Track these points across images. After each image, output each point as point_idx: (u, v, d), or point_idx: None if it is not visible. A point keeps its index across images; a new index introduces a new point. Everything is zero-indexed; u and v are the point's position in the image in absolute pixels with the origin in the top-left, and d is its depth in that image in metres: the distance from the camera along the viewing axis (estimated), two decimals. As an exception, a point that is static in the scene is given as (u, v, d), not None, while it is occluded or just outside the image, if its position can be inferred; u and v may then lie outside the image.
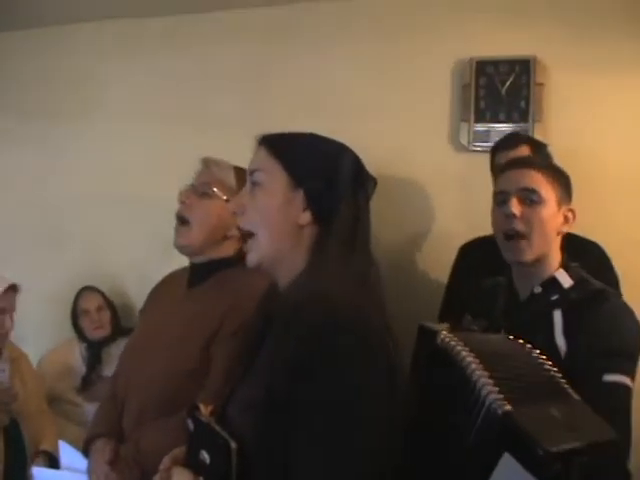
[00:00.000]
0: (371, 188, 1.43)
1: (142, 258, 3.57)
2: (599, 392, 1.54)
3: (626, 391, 1.62)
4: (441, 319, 2.57)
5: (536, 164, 1.87)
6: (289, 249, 1.36)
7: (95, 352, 3.41)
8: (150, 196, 3.51)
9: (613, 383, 1.60)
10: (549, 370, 1.43)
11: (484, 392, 1.31)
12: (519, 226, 1.79)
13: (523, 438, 1.26)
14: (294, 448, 1.18)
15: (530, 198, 1.79)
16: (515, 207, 1.79)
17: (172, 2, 3.56)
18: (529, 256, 1.78)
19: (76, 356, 3.45)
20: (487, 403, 1.33)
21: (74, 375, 3.37)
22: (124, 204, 3.69)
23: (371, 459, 1.20)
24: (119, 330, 3.49)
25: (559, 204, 1.81)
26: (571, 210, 1.84)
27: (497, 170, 2.53)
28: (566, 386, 1.39)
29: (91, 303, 3.53)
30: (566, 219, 1.82)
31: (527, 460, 1.23)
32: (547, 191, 1.79)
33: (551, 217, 1.79)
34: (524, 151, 2.49)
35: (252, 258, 1.38)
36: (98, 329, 3.48)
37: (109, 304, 3.57)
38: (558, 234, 1.82)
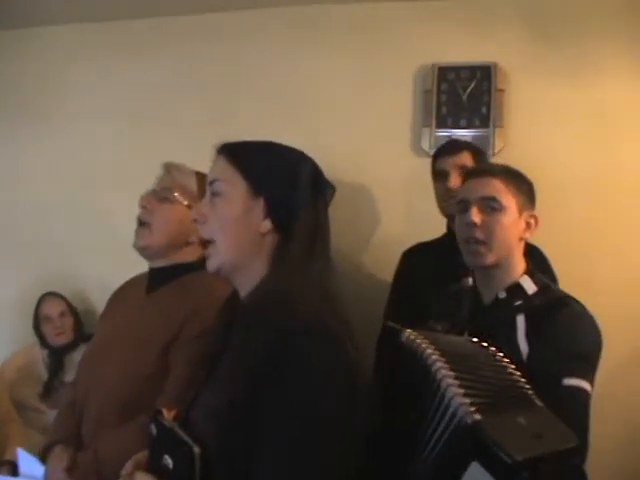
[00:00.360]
0: (330, 195, 1.45)
1: (105, 264, 3.54)
2: (558, 396, 1.56)
3: (584, 395, 1.63)
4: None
5: (497, 172, 1.88)
6: (250, 257, 1.37)
7: (57, 358, 3.36)
8: (114, 201, 3.49)
9: (572, 387, 1.61)
10: (512, 374, 1.45)
11: (449, 394, 1.32)
12: (478, 234, 1.81)
13: (491, 447, 1.26)
14: (260, 451, 1.18)
15: (490, 206, 1.82)
16: (475, 216, 1.81)
17: (140, 6, 3.54)
18: (488, 259, 1.80)
19: (38, 362, 3.40)
20: (453, 408, 1.33)
21: (36, 381, 3.31)
22: (87, 209, 3.66)
23: (338, 460, 1.21)
24: (82, 336, 3.44)
25: (520, 211, 1.83)
26: (533, 216, 1.86)
27: (436, 175, 2.61)
28: (530, 392, 1.42)
29: (53, 309, 3.47)
30: (528, 225, 1.84)
31: (495, 468, 1.24)
32: (507, 198, 1.81)
33: (512, 224, 1.81)
34: (465, 157, 2.54)
35: (212, 264, 1.40)
36: (60, 335, 3.43)
37: (72, 310, 3.52)
38: (520, 240, 1.85)
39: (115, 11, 3.61)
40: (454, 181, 2.49)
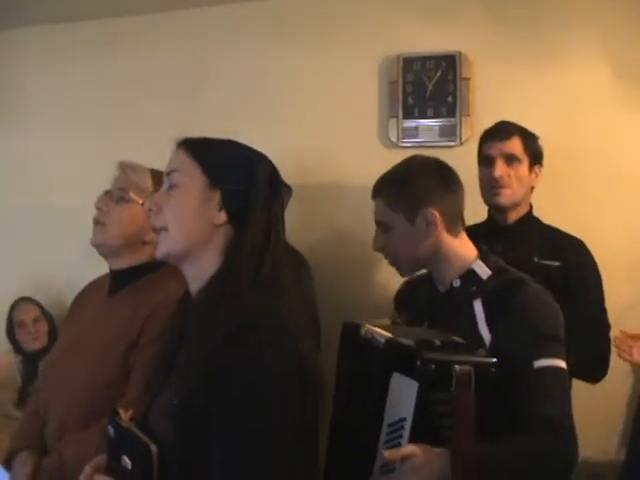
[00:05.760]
0: (287, 197, 1.47)
1: (78, 267, 3.50)
2: (533, 380, 1.57)
3: (560, 373, 1.62)
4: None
5: (377, 193, 1.91)
6: (201, 247, 1.38)
7: (32, 364, 3.35)
8: (83, 204, 3.45)
9: (544, 368, 1.59)
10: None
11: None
12: (385, 256, 1.91)
13: (405, 353, 1.47)
14: (213, 448, 1.19)
15: (383, 229, 1.86)
16: (374, 241, 1.91)
17: (102, 6, 3.52)
18: (402, 273, 1.93)
19: (12, 369, 3.38)
20: (369, 338, 1.58)
21: (11, 388, 3.30)
22: (57, 213, 3.64)
23: (292, 454, 1.21)
24: (56, 341, 3.43)
25: (410, 219, 1.79)
26: (429, 212, 1.77)
27: (482, 160, 2.55)
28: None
29: (27, 314, 3.46)
30: (428, 225, 1.77)
31: (412, 373, 1.43)
32: (391, 217, 1.83)
33: (404, 237, 1.80)
34: (515, 144, 2.46)
35: (161, 250, 1.40)
36: (35, 341, 3.41)
37: (46, 315, 3.51)
38: (427, 239, 1.79)
39: (78, 11, 3.58)
40: (499, 170, 2.42)
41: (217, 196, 1.38)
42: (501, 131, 2.50)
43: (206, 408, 1.19)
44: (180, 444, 1.21)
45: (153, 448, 1.21)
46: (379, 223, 1.87)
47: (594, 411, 2.50)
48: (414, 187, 1.80)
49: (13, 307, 3.51)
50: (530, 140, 2.51)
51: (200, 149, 1.43)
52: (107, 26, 3.65)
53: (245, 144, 1.47)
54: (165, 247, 1.39)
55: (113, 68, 3.64)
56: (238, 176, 1.40)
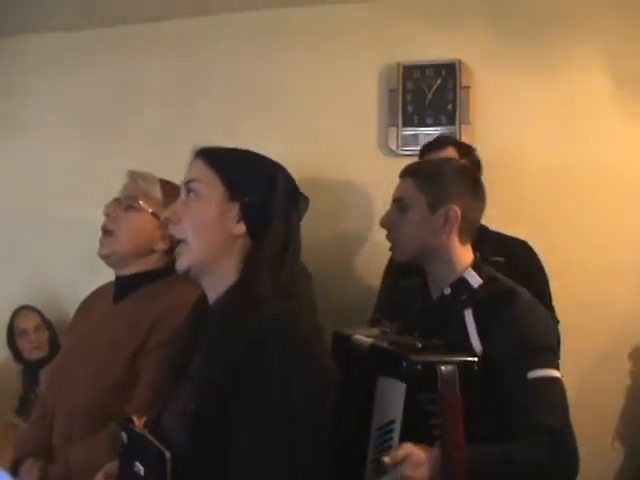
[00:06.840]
0: (303, 208, 1.46)
1: (79, 276, 3.51)
2: (527, 390, 1.56)
3: (554, 382, 1.60)
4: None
5: (410, 172, 1.87)
6: (220, 259, 1.37)
7: (33, 372, 3.34)
8: (84, 212, 3.46)
9: (539, 378, 1.58)
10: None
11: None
12: (388, 235, 1.87)
13: (390, 357, 1.52)
14: (230, 454, 1.18)
15: (400, 206, 1.83)
16: (383, 217, 1.87)
17: (105, 14, 3.54)
18: (401, 259, 1.85)
19: (13, 377, 3.38)
20: (354, 345, 1.63)
21: (12, 396, 3.29)
22: (58, 221, 3.64)
23: (309, 462, 1.21)
24: (57, 350, 3.41)
25: (432, 207, 1.78)
26: (453, 209, 1.76)
27: None
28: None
29: (28, 323, 3.46)
30: (447, 219, 1.76)
31: (399, 375, 1.47)
32: (414, 197, 1.80)
33: (420, 221, 1.78)
34: (450, 153, 2.53)
35: (182, 263, 1.38)
36: (37, 349, 3.41)
37: (46, 323, 3.51)
38: (443, 234, 1.77)
39: (81, 20, 3.60)
40: None
41: (236, 207, 1.37)
42: (436, 143, 2.65)
43: (224, 413, 1.19)
44: (194, 449, 1.21)
45: (167, 454, 1.21)
46: (398, 200, 1.84)
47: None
48: (449, 182, 1.80)
49: (14, 315, 3.50)
50: (464, 150, 2.60)
51: (219, 159, 1.41)
52: (109, 34, 3.66)
53: (263, 154, 1.45)
54: (186, 260, 1.38)
55: (114, 76, 3.65)
56: (257, 187, 1.38)
